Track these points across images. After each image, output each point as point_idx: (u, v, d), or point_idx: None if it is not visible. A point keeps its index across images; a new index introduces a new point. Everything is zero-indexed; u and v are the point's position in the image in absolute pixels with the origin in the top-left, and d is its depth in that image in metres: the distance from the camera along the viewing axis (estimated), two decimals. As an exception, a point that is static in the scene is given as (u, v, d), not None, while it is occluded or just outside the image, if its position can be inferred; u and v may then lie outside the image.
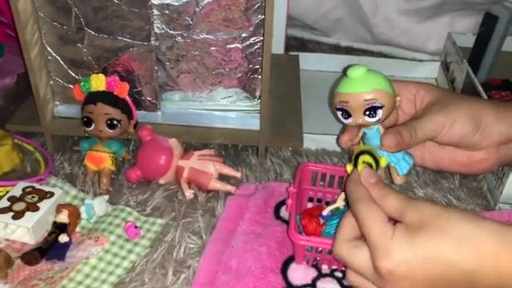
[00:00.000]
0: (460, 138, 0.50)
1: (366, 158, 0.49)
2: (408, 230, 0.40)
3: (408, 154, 0.52)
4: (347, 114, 0.47)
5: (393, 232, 0.40)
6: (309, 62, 0.87)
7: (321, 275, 0.51)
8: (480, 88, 0.66)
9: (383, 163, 0.49)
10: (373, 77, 0.47)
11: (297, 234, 0.48)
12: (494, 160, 0.51)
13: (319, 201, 0.59)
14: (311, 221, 0.52)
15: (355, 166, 0.49)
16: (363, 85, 0.46)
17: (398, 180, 0.52)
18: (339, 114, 0.48)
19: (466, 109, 0.50)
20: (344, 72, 0.48)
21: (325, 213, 0.52)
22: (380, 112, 0.46)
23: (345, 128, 0.51)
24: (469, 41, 0.84)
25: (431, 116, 0.49)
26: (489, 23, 0.80)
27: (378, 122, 0.47)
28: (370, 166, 0.48)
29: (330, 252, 0.49)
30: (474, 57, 0.81)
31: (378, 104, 0.46)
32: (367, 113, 0.46)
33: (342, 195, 0.52)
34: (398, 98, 0.48)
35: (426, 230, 0.39)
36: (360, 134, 0.50)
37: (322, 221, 0.52)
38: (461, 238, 0.38)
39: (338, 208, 0.52)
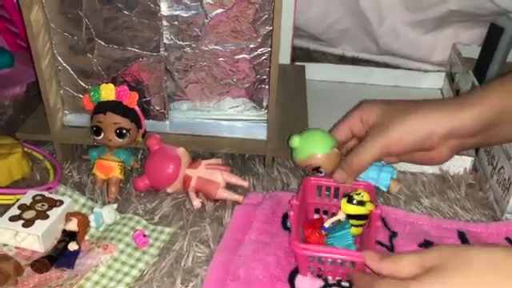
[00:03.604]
0: (409, 150, 0.54)
1: (355, 226, 0.53)
2: (433, 271, 0.39)
3: (386, 167, 0.58)
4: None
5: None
6: (315, 72, 0.88)
7: (327, 285, 0.51)
8: (486, 99, 0.67)
9: (371, 208, 0.53)
10: (307, 144, 0.58)
11: (297, 242, 0.49)
12: (447, 154, 0.54)
13: (326, 212, 0.59)
14: (314, 232, 0.53)
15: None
16: (300, 153, 0.58)
17: (392, 190, 0.60)
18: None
19: (410, 125, 0.52)
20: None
21: (327, 225, 0.53)
22: (322, 170, 0.58)
23: None
24: (474, 52, 0.85)
25: (373, 142, 0.53)
26: (494, 34, 0.80)
27: (327, 175, 0.58)
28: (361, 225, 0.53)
29: (332, 262, 0.49)
30: (479, 67, 0.82)
31: (316, 166, 0.57)
32: (315, 171, 0.58)
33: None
34: (336, 151, 0.58)
35: (449, 266, 0.39)
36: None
37: (324, 232, 0.53)
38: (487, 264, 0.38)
39: (339, 220, 0.53)
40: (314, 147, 0.57)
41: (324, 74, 0.89)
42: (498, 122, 0.51)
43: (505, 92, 0.50)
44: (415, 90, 0.89)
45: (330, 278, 0.51)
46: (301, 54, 0.99)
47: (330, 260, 0.49)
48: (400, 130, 0.52)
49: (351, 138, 0.59)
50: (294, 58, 0.90)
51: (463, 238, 0.56)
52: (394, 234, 0.57)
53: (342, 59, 1.00)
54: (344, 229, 0.53)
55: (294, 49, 0.91)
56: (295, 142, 0.58)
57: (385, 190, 0.59)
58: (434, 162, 0.56)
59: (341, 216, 0.53)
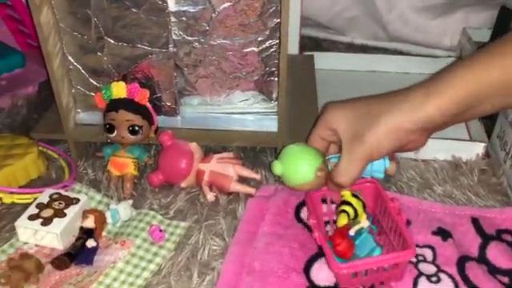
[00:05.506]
0: (390, 152, 0.53)
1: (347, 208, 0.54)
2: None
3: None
4: None
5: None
6: (324, 61, 0.88)
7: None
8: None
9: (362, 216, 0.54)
10: (289, 175, 0.55)
11: (339, 264, 0.48)
12: (424, 141, 0.54)
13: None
14: (343, 241, 0.51)
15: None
16: (288, 183, 0.56)
17: (390, 174, 0.61)
18: None
19: (384, 129, 0.51)
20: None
21: (352, 232, 0.52)
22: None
23: None
24: (484, 35, 0.84)
25: (354, 156, 0.52)
26: (504, 17, 0.79)
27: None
28: (348, 214, 0.53)
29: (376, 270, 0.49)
30: (491, 51, 0.81)
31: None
32: None
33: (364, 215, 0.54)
34: (320, 173, 0.54)
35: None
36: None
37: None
38: None
39: (362, 227, 0.53)
40: (297, 178, 0.55)
41: (333, 63, 0.89)
42: (467, 108, 0.49)
43: (469, 80, 0.48)
44: (425, 76, 0.88)
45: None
46: (309, 43, 0.99)
47: (374, 268, 0.49)
48: (375, 137, 0.51)
49: (328, 144, 0.58)
50: (302, 48, 0.90)
51: (477, 224, 0.56)
52: (408, 222, 0.57)
53: (351, 47, 1.00)
54: (361, 234, 0.53)
55: (303, 38, 0.91)
56: (277, 169, 0.56)
57: (382, 177, 0.58)
58: (415, 149, 0.55)
59: (363, 224, 0.53)
